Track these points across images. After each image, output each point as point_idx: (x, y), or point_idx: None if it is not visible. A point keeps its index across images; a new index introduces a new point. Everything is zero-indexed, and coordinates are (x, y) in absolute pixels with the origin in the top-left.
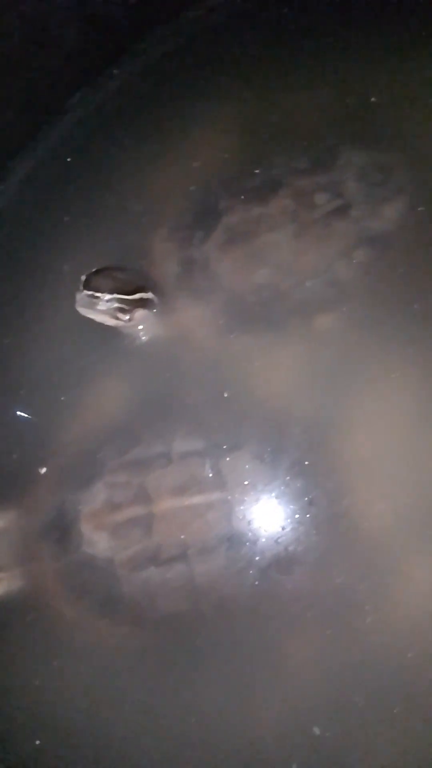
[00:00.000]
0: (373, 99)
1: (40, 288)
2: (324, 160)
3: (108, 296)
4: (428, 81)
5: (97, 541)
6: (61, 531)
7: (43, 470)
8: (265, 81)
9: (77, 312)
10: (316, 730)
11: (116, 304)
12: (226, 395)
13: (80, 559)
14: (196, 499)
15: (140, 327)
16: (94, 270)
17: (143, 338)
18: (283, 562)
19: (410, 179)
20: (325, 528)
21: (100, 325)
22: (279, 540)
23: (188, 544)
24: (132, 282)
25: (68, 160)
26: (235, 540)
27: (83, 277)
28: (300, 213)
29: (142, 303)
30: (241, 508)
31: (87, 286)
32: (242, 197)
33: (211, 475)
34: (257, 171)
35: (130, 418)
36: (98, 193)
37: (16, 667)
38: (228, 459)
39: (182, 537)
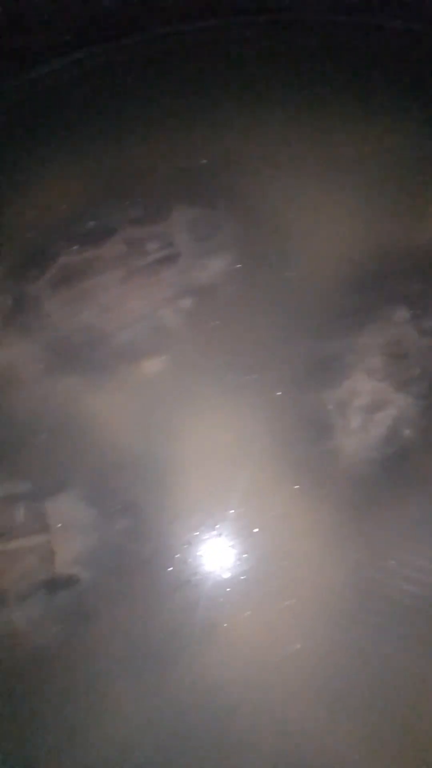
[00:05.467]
0: (204, 161)
1: None
2: (158, 212)
3: None
4: (259, 147)
5: None
6: None
7: None
8: (101, 134)
9: None
10: None
11: None
12: (50, 437)
13: None
14: (14, 544)
15: None
16: None
17: None
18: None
19: (235, 237)
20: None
21: None
22: (103, 586)
23: (6, 589)
24: None
25: None
26: (56, 585)
27: None
28: (130, 259)
29: None
30: (64, 552)
31: None
32: (77, 240)
33: (32, 518)
34: (93, 217)
35: None
36: None
37: None
38: (52, 502)
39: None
